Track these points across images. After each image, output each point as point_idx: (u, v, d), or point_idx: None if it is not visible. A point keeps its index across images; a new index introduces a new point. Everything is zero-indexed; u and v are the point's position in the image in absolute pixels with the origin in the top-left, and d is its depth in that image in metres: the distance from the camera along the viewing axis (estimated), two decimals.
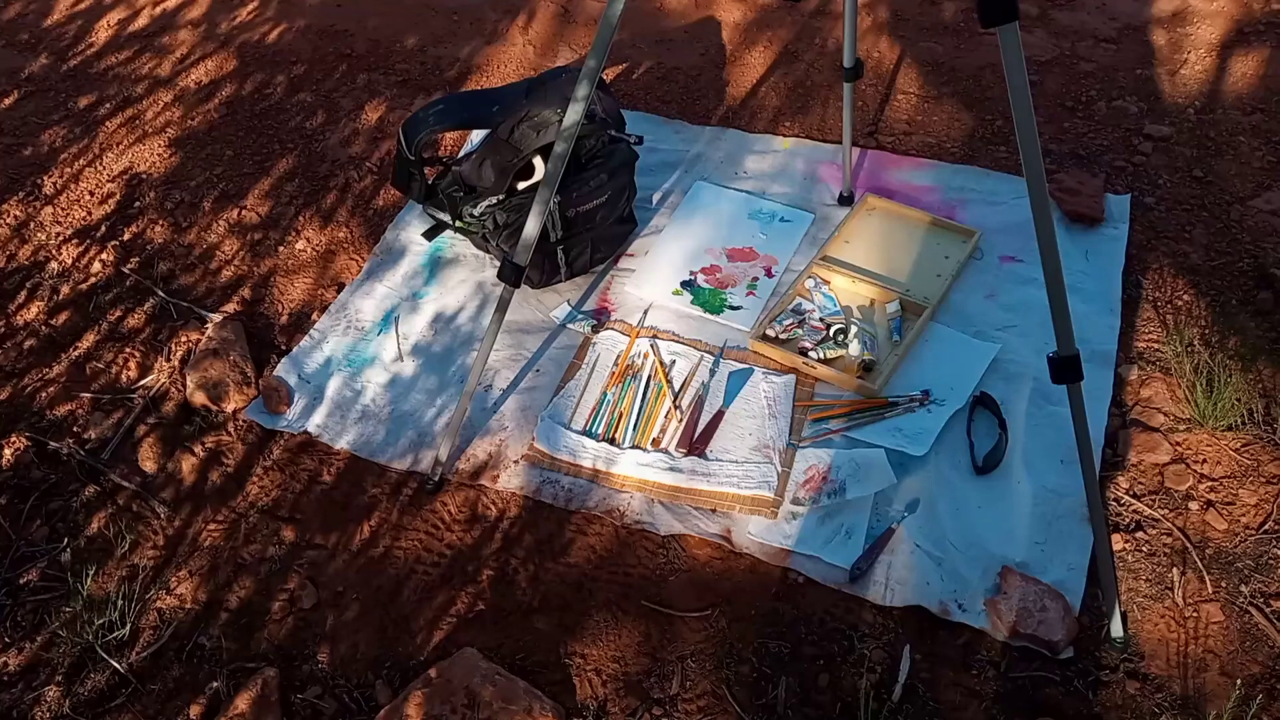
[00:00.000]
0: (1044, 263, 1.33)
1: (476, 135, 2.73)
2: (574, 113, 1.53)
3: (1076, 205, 2.41)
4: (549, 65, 3.08)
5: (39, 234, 2.69)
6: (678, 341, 2.23)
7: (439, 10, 3.34)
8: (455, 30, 3.25)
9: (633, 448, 2.01)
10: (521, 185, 2.31)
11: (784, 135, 2.77)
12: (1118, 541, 1.81)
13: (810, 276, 2.31)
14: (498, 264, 2.45)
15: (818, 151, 2.70)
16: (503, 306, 1.79)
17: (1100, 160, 2.62)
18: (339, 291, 2.45)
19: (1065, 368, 1.41)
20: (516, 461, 2.02)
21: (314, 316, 2.40)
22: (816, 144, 2.72)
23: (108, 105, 3.10)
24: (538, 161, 2.30)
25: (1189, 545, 1.79)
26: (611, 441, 2.03)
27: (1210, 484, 1.89)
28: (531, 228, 1.67)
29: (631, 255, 2.46)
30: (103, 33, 3.42)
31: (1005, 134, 2.71)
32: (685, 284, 2.36)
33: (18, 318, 2.46)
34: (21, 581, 1.90)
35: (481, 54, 3.15)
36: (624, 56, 3.09)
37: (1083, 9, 3.16)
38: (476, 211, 2.31)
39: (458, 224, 2.42)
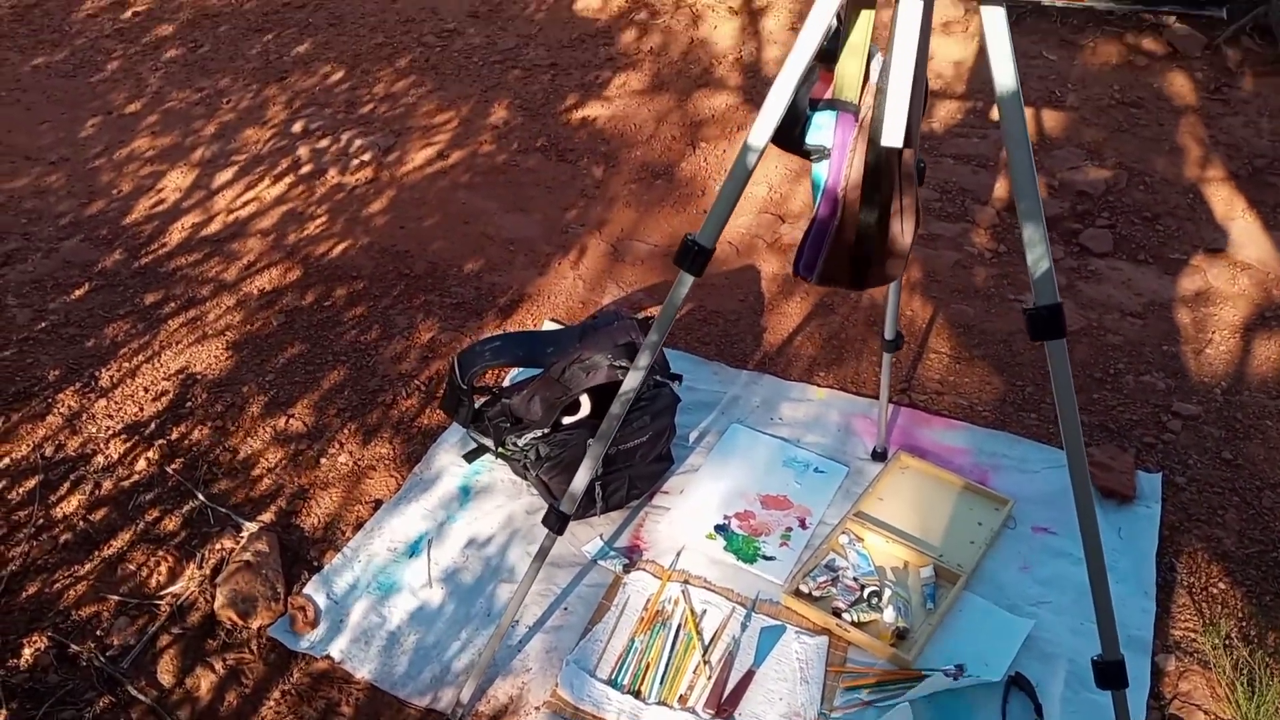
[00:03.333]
0: (1088, 561, 1.35)
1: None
2: (632, 379, 1.60)
3: (1108, 481, 2.45)
4: (597, 299, 3.23)
5: (90, 426, 2.76)
6: (710, 589, 2.22)
7: (496, 240, 3.53)
8: (510, 260, 3.42)
9: (658, 704, 1.97)
10: (566, 420, 2.38)
11: (819, 385, 2.85)
12: None
13: (844, 532, 2.33)
14: (534, 492, 2.49)
15: (852, 404, 2.77)
16: (543, 554, 1.81)
17: (1130, 435, 2.67)
18: (375, 509, 2.48)
19: (1110, 674, 1.40)
20: (538, 708, 1.98)
21: (348, 533, 2.41)
22: (851, 397, 2.80)
23: (172, 304, 3.25)
24: (584, 399, 2.38)
25: None
26: (637, 695, 1.99)
27: None
28: (580, 480, 1.71)
29: (666, 493, 2.50)
30: (176, 234, 3.62)
31: (1036, 401, 2.79)
32: (719, 528, 2.38)
33: (57, 510, 2.50)
34: None
35: (533, 284, 3.30)
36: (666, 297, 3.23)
37: (1109, 283, 3.31)
38: (521, 442, 2.37)
39: (500, 451, 2.47)
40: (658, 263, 3.40)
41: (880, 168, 1.35)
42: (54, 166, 4.00)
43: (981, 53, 4.25)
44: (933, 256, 3.36)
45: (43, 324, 3.17)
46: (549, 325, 3.09)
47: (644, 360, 1.57)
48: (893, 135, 1.26)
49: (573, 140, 4.04)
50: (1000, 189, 3.66)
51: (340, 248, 3.51)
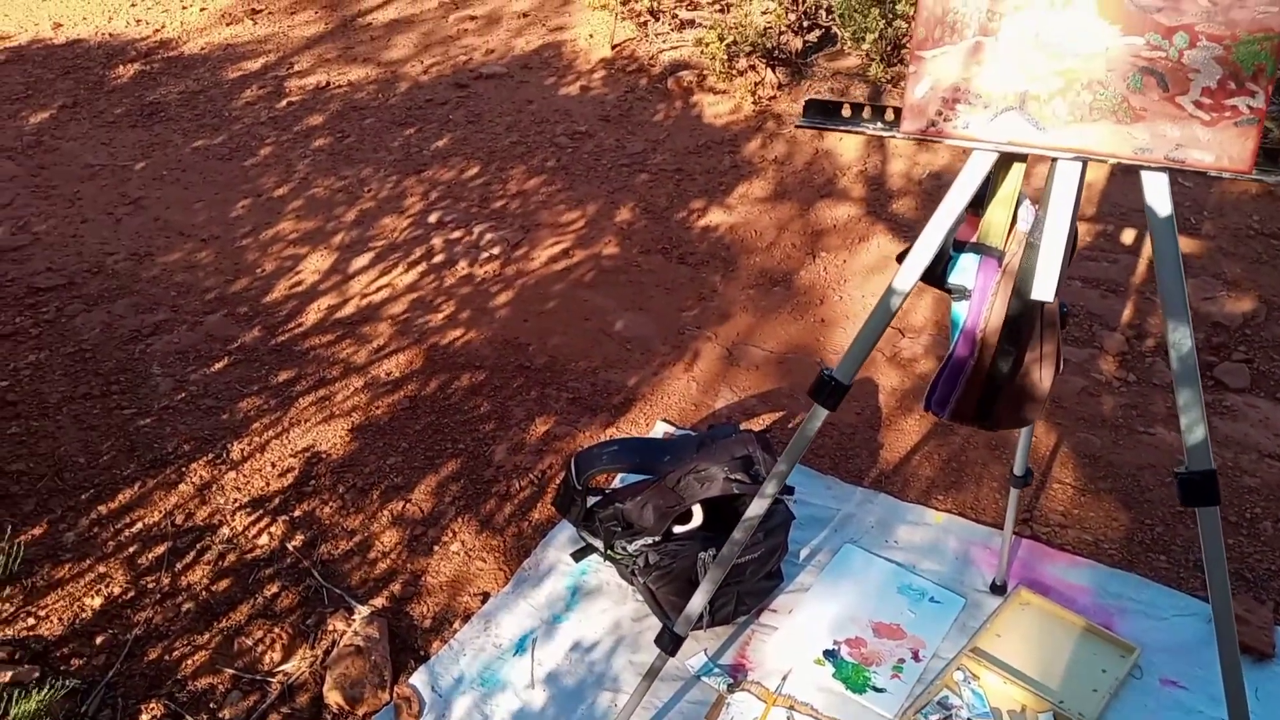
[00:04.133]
0: None
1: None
2: (758, 506, 1.60)
3: (1244, 636, 2.31)
4: (710, 403, 3.24)
5: (218, 497, 2.88)
6: (816, 718, 2.16)
7: (614, 337, 3.59)
8: (627, 358, 3.48)
9: None
10: (678, 529, 2.37)
11: (937, 509, 2.79)
12: None
13: (959, 668, 2.25)
14: (640, 598, 2.48)
15: (971, 532, 2.70)
16: (652, 674, 1.80)
17: (1268, 586, 2.53)
18: (483, 602, 2.51)
19: None
20: None
21: (456, 624, 2.44)
22: (970, 524, 2.73)
23: (304, 383, 3.39)
24: (697, 509, 2.37)
25: None
26: None
27: None
28: (696, 602, 1.70)
29: (774, 611, 2.46)
30: (312, 315, 3.80)
31: (1166, 542, 2.66)
32: (828, 654, 2.32)
33: (183, 579, 2.60)
34: None
35: (648, 384, 3.34)
36: (782, 405, 3.23)
37: (1245, 420, 3.17)
38: (630, 548, 2.37)
39: (608, 553, 2.48)
40: (772, 369, 3.40)
41: (1023, 316, 1.34)
42: (205, 243, 4.26)
43: (1113, 176, 4.19)
44: (1059, 382, 3.27)
45: (182, 394, 3.34)
46: (661, 426, 3.12)
47: (771, 488, 1.57)
48: (1045, 290, 1.26)
49: (694, 244, 4.11)
50: (1129, 314, 3.57)
51: (465, 337, 3.62)
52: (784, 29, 5.15)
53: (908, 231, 4.12)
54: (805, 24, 5.30)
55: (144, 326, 3.70)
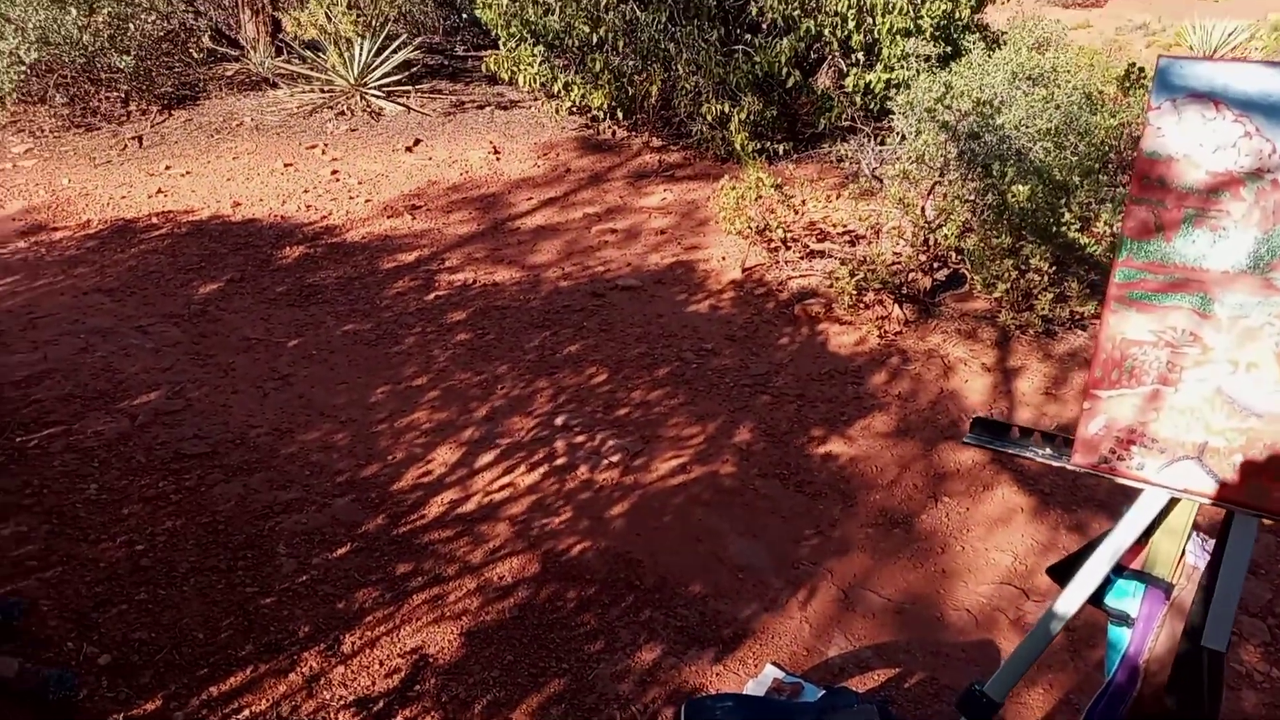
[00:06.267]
0: None
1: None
2: None
3: None
4: (822, 649, 3.15)
5: (325, 692, 2.90)
6: None
7: (726, 563, 3.57)
8: (739, 588, 3.44)
9: None
10: None
11: None
12: None
13: None
14: None
15: None
16: None
17: None
18: None
19: None
20: None
21: None
22: None
23: (420, 579, 3.44)
24: None
25: None
26: None
27: None
28: None
29: None
30: (435, 508, 3.89)
31: None
32: None
33: None
34: None
35: (759, 620, 3.28)
36: (899, 661, 3.12)
37: None
38: None
39: None
40: (889, 620, 3.31)
41: (1191, 657, 1.30)
42: (342, 425, 4.46)
43: None
44: None
45: (304, 577, 3.43)
46: (771, 670, 3.04)
47: None
48: (1218, 638, 1.22)
49: (813, 473, 4.11)
50: (1271, 597, 3.38)
51: (579, 546, 3.65)
52: (914, 268, 5.28)
53: (1033, 485, 4.04)
54: (935, 264, 5.43)
55: (276, 503, 3.85)
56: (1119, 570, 1.40)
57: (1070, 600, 1.28)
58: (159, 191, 6.89)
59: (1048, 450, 1.47)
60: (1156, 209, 1.18)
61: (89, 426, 4.26)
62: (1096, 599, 1.43)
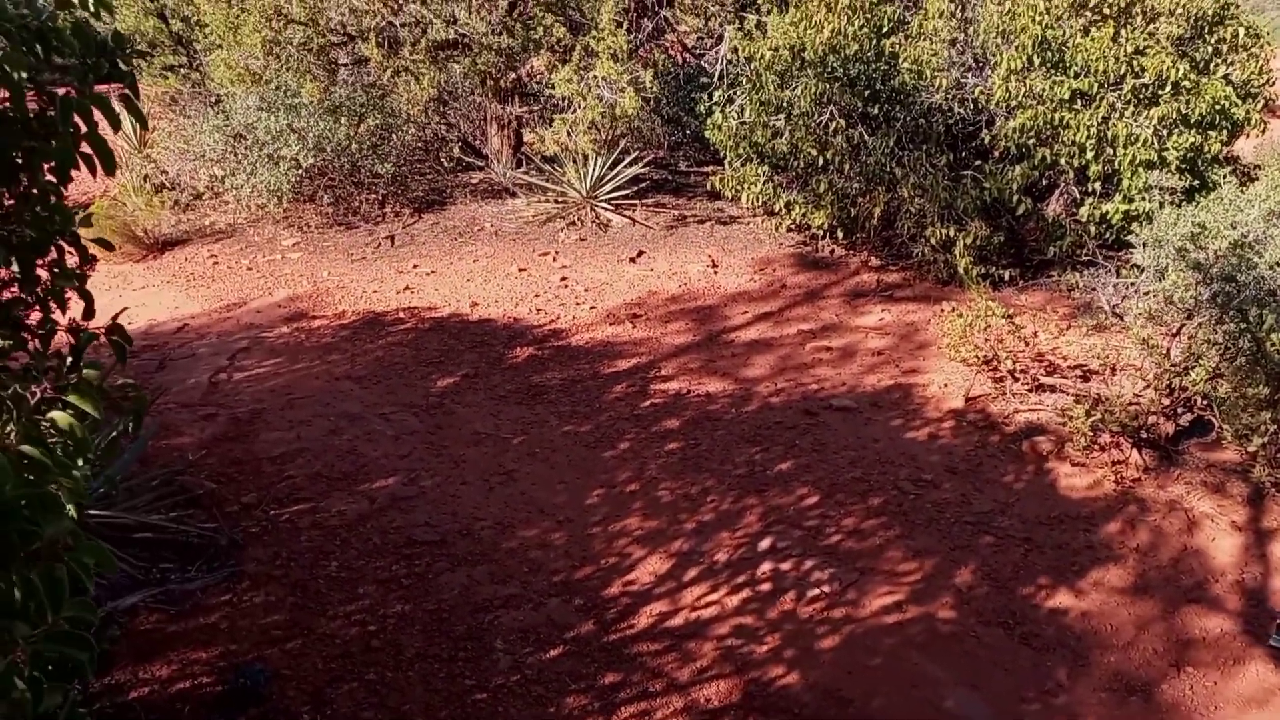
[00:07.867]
0: None
1: None
2: None
3: None
4: None
5: None
6: None
7: (945, 714, 3.40)
8: None
9: None
10: None
11: None
12: None
13: None
14: None
15: None
16: None
17: None
18: None
19: None
20: None
21: None
22: None
23: (626, 691, 3.47)
24: None
25: None
26: None
27: None
28: None
29: None
30: (644, 619, 3.93)
31: None
32: None
33: None
34: None
35: None
36: None
37: None
38: None
39: None
40: None
41: None
42: (560, 524, 4.61)
43: None
44: None
45: (518, 675, 3.53)
46: None
47: None
48: None
49: (1040, 625, 3.88)
50: None
51: (785, 678, 3.58)
52: (1155, 411, 4.97)
53: None
54: (1179, 409, 5.09)
55: (496, 598, 3.99)
56: None
57: None
58: (406, 288, 7.47)
59: None
60: None
61: (334, 505, 4.59)
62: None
